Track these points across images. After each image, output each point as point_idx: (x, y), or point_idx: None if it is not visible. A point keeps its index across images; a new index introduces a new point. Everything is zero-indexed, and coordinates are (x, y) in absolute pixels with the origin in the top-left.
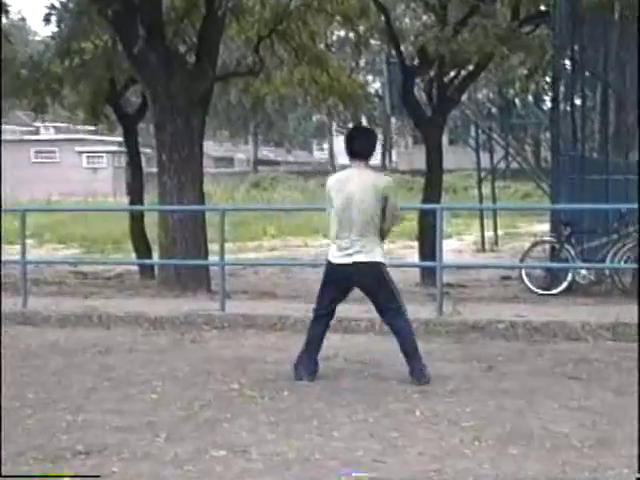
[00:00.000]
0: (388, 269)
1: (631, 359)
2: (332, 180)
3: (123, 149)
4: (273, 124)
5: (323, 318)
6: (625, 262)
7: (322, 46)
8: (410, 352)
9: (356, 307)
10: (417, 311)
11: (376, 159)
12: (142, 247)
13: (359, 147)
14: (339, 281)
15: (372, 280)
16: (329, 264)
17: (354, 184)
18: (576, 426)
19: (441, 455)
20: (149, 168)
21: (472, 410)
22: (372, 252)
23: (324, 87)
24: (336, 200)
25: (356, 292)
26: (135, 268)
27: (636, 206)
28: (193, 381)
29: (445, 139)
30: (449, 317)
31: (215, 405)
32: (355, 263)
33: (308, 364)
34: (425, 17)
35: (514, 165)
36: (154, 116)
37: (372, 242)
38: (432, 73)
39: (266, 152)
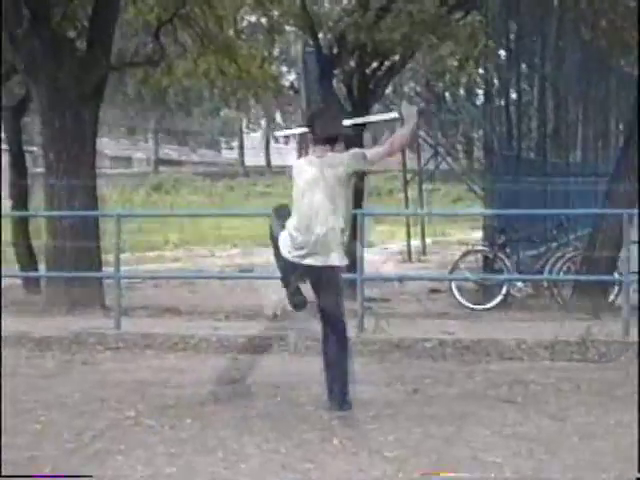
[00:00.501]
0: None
1: (570, 380)
2: (297, 163)
3: (5, 147)
4: (176, 120)
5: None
6: (565, 273)
7: (231, 33)
8: (336, 373)
9: (267, 324)
10: None
11: (291, 159)
12: (26, 257)
13: (321, 130)
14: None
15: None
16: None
17: (316, 167)
18: (510, 455)
19: None
20: (35, 168)
21: (396, 438)
22: (329, 254)
23: (232, 79)
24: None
25: None
26: (19, 281)
27: (577, 211)
28: (83, 409)
29: (368, 135)
30: (371, 335)
31: (108, 435)
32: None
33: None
34: (345, 1)
35: (444, 166)
36: (40, 110)
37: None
38: (352, 63)
39: (168, 151)
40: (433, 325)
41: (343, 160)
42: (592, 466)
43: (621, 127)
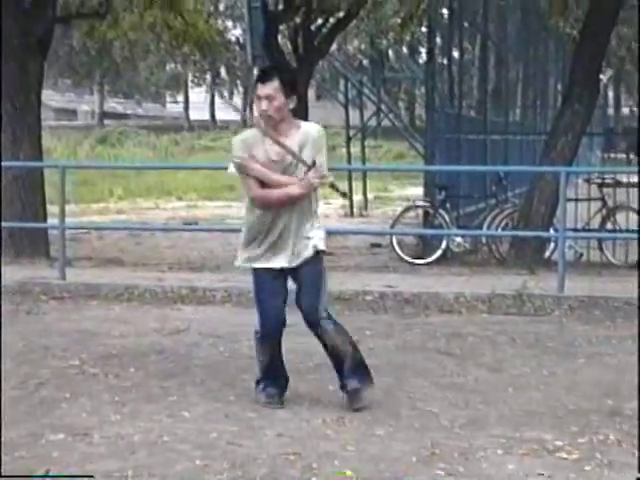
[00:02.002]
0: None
1: (506, 333)
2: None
3: None
4: (121, 73)
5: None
6: (503, 229)
7: None
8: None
9: (210, 276)
10: None
11: (234, 114)
12: None
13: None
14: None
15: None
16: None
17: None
18: (447, 405)
19: (302, 437)
20: None
21: (336, 388)
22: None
23: (178, 33)
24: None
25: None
26: None
27: (516, 168)
28: (28, 357)
29: (312, 93)
30: None
31: (53, 383)
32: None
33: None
34: None
35: (386, 123)
36: None
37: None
38: (298, 20)
39: (113, 104)
40: (374, 278)
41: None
42: (526, 415)
43: (559, 87)
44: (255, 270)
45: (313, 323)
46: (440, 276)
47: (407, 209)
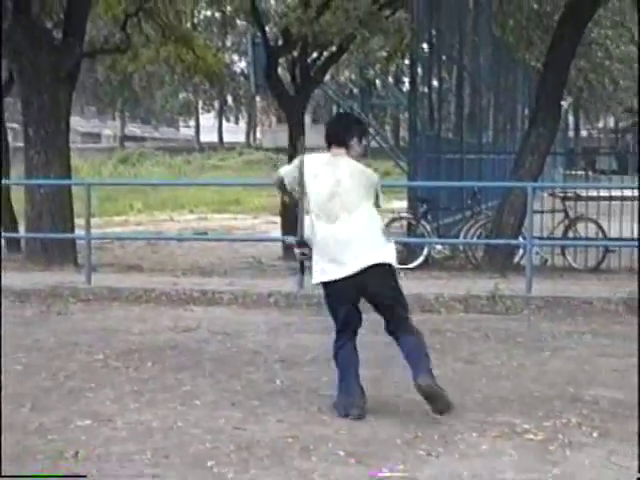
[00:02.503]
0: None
1: (481, 329)
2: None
3: None
4: (140, 101)
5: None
6: (477, 238)
7: (188, 25)
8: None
9: (218, 280)
10: (279, 284)
11: (240, 136)
12: (8, 221)
13: (342, 133)
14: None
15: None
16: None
17: (342, 169)
18: None
19: (299, 422)
20: (16, 143)
21: (330, 379)
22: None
23: (190, 65)
24: (315, 186)
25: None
26: (2, 242)
27: (488, 184)
28: (58, 352)
29: (308, 118)
30: (310, 290)
31: (80, 376)
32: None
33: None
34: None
35: (374, 144)
36: (21, 91)
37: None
38: (295, 54)
39: (133, 128)
40: None
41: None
42: (498, 402)
43: (526, 112)
44: None
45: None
46: (422, 279)
47: (393, 220)
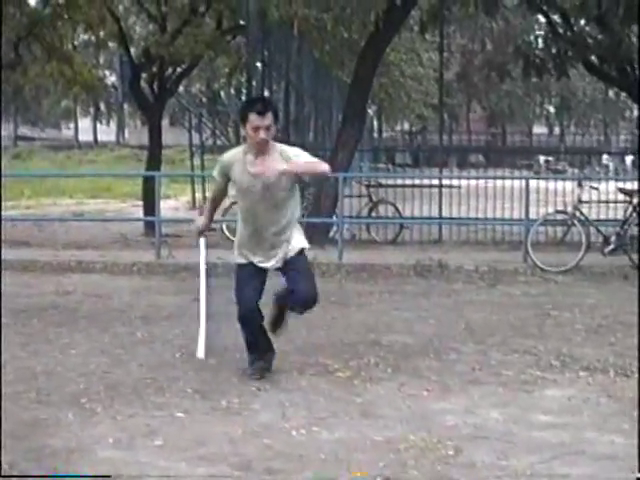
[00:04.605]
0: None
1: None
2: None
3: None
4: (30, 107)
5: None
6: (302, 217)
7: (69, 46)
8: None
9: (92, 252)
10: (140, 256)
11: (111, 136)
12: None
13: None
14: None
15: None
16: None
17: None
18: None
19: (156, 366)
20: None
21: (181, 331)
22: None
23: (70, 79)
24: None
25: None
26: None
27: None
28: None
29: (166, 121)
30: (165, 260)
31: None
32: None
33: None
34: (150, 26)
35: (219, 142)
36: None
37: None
38: (154, 69)
39: (24, 130)
40: (210, 253)
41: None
42: (314, 347)
43: (340, 117)
44: (240, 266)
45: (314, 300)
46: None
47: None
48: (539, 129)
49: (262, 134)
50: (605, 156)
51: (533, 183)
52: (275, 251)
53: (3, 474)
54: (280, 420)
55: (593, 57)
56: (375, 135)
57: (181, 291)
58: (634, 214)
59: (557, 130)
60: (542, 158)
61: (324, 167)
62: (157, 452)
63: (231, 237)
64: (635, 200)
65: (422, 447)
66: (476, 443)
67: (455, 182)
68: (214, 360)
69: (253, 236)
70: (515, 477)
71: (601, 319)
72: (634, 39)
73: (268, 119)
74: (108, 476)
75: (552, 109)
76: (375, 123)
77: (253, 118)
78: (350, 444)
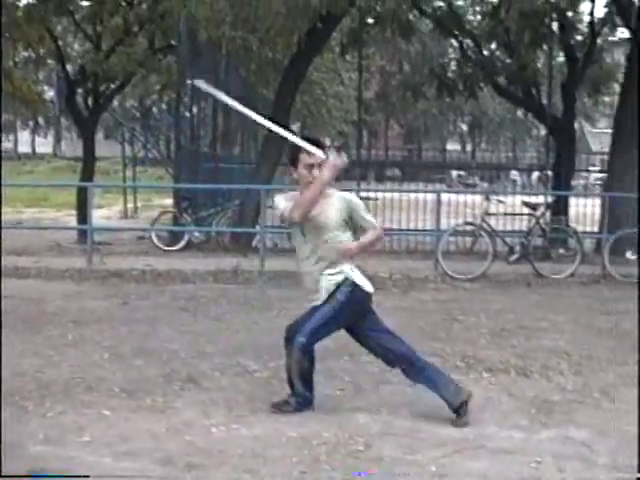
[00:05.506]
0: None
1: (226, 296)
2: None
3: None
4: None
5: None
6: (226, 227)
7: (10, 63)
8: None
9: (27, 259)
10: (73, 262)
11: (48, 148)
12: None
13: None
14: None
15: None
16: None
17: None
18: (186, 344)
19: (85, 366)
20: None
21: (110, 334)
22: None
23: (10, 94)
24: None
25: None
26: None
27: (234, 186)
28: None
29: (101, 135)
30: (97, 266)
31: None
32: None
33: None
34: (86, 44)
35: (151, 155)
36: None
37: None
38: (89, 85)
39: None
40: (139, 260)
41: None
42: (236, 349)
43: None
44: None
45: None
46: (183, 258)
47: (163, 213)
48: (452, 146)
49: (315, 172)
50: (513, 172)
51: (445, 196)
52: None
53: (3, 474)
54: (201, 418)
55: (501, 80)
56: None
57: (111, 296)
58: (537, 226)
59: (469, 147)
60: (454, 173)
61: (379, 233)
62: (85, 448)
63: (159, 244)
64: (538, 213)
65: (334, 443)
66: (385, 439)
67: (372, 194)
68: (141, 361)
69: None
70: (421, 470)
71: (505, 323)
72: (539, 64)
73: (319, 158)
74: (87, 476)
75: (465, 127)
76: None
77: (307, 156)
78: (267, 440)
